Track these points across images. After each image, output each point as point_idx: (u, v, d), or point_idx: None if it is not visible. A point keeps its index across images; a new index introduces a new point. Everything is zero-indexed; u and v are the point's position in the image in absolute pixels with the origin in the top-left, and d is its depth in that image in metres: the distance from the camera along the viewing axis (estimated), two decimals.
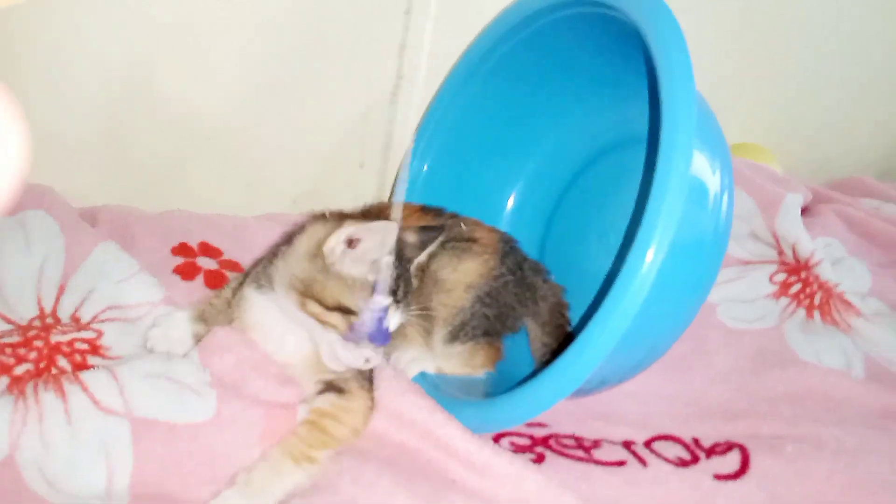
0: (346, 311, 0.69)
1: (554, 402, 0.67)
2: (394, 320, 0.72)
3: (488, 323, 0.87)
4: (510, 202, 1.12)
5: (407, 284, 0.74)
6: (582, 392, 0.77)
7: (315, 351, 0.73)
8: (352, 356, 0.69)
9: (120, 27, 0.92)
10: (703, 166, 0.71)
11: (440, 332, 0.87)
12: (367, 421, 0.72)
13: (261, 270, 0.76)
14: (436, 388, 0.83)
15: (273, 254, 0.76)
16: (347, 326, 0.69)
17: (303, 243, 0.72)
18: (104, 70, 0.95)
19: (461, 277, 0.86)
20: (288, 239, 0.76)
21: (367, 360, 0.69)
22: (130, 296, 0.79)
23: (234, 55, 1.01)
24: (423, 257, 0.79)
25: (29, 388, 0.65)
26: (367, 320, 0.68)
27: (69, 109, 0.96)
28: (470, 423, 0.72)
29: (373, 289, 0.69)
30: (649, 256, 0.62)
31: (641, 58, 0.77)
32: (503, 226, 1.09)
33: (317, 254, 0.70)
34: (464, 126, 1.03)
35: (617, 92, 0.95)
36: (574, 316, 0.94)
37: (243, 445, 0.67)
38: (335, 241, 0.69)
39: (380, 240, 0.67)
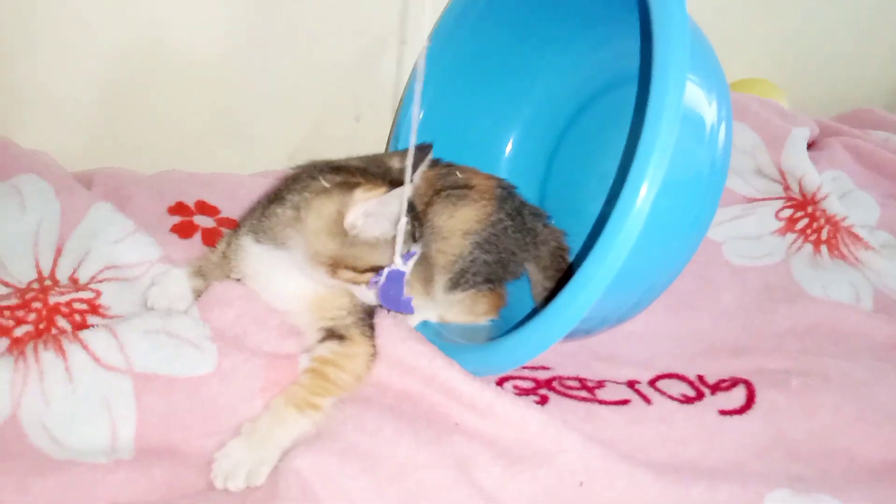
0: (377, 269, 0.71)
1: (550, 344, 0.67)
2: (415, 257, 0.75)
3: (489, 269, 0.87)
4: (508, 148, 1.10)
5: (417, 218, 0.75)
6: (582, 332, 0.77)
7: (316, 295, 0.73)
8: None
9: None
10: (697, 97, 0.68)
11: (441, 281, 0.86)
12: (369, 367, 0.73)
13: (257, 222, 0.75)
14: (438, 335, 0.83)
15: (266, 204, 0.76)
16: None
17: (316, 221, 0.71)
18: (96, 32, 0.94)
19: (458, 224, 0.86)
20: (279, 190, 0.75)
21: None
22: (127, 256, 0.79)
23: (225, 9, 0.99)
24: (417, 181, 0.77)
25: (29, 349, 0.65)
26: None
27: (61, 73, 0.95)
28: (470, 367, 0.72)
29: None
30: (643, 192, 0.60)
31: None
32: (502, 172, 1.07)
33: (337, 231, 0.70)
34: (457, 72, 1.01)
35: (610, 29, 0.92)
36: (573, 255, 0.93)
37: (245, 397, 0.67)
38: (355, 217, 0.69)
39: (396, 204, 0.68)
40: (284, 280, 0.74)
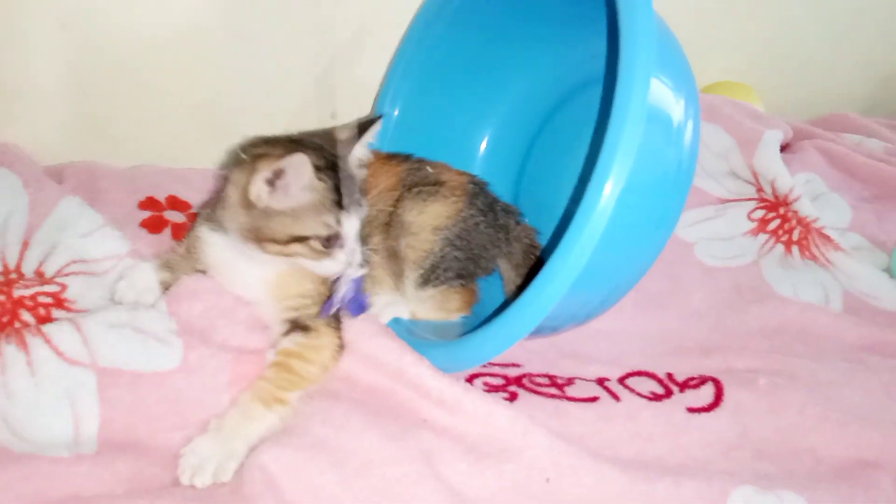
0: (301, 239, 0.70)
1: (515, 341, 0.67)
2: (351, 223, 0.72)
3: (460, 265, 0.87)
4: (483, 146, 1.11)
5: (350, 183, 0.73)
6: (549, 329, 0.77)
7: (277, 279, 0.73)
8: (331, 267, 0.72)
9: None
10: (664, 97, 0.69)
11: (411, 276, 0.86)
12: (335, 358, 0.72)
13: (211, 211, 0.75)
14: (409, 333, 0.83)
15: (220, 194, 0.76)
16: (311, 249, 0.70)
17: (232, 194, 0.72)
18: (71, 24, 0.94)
19: (428, 220, 0.85)
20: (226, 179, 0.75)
21: (349, 264, 0.72)
22: (95, 250, 0.78)
23: (204, 3, 0.98)
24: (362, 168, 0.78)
25: None
26: (325, 236, 0.71)
27: (37, 66, 0.94)
28: (438, 363, 0.72)
29: (316, 207, 0.70)
30: (607, 190, 0.61)
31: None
32: (476, 170, 1.07)
33: (248, 203, 0.70)
34: (432, 71, 1.02)
35: (583, 30, 0.92)
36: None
37: (212, 392, 0.67)
38: (256, 188, 0.69)
39: (297, 168, 0.67)
40: (242, 266, 0.74)
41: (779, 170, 1.07)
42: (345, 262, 0.72)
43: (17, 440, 0.59)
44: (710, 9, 1.33)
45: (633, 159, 0.60)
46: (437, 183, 0.88)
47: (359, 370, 0.72)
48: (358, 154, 0.76)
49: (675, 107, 0.70)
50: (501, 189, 0.98)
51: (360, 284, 0.75)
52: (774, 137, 1.10)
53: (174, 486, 0.61)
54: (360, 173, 0.77)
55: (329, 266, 0.72)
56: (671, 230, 0.77)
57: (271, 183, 0.68)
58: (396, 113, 1.02)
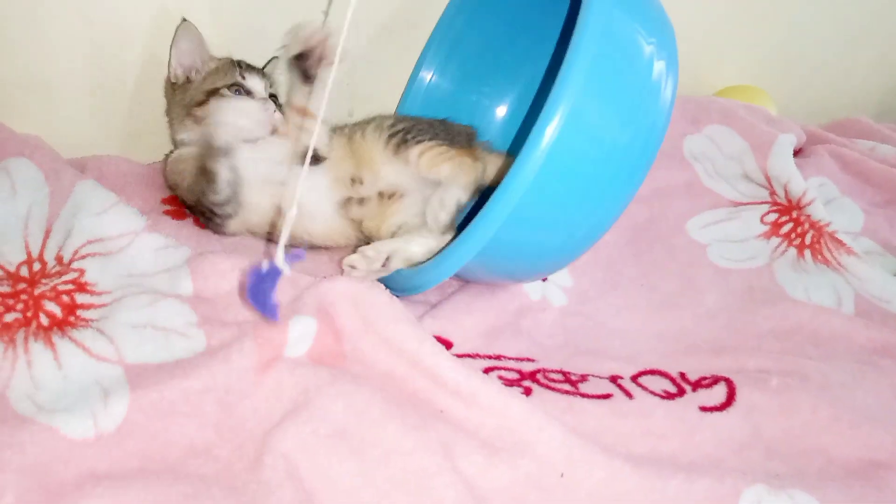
0: (213, 91, 0.89)
1: (465, 260, 0.72)
2: (255, 81, 0.91)
3: (433, 130, 0.90)
4: (502, 112, 1.17)
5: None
6: (508, 269, 0.82)
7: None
8: (248, 107, 0.88)
9: None
10: (638, 45, 0.72)
11: (385, 147, 0.91)
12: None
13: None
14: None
15: None
16: (226, 98, 0.88)
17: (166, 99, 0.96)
18: (93, 18, 0.94)
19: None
20: None
21: (265, 109, 0.89)
22: (111, 227, 0.79)
23: None
24: None
25: (19, 337, 0.65)
26: (231, 83, 0.90)
27: (53, 58, 0.95)
28: (400, 284, 0.81)
29: (222, 68, 0.92)
30: (552, 117, 0.65)
31: None
32: (493, 135, 1.15)
33: (173, 88, 0.93)
34: (462, 42, 1.09)
35: None
36: None
37: (240, 377, 0.67)
38: (171, 68, 0.92)
39: (187, 31, 0.90)
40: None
41: (792, 173, 1.08)
42: (261, 106, 0.89)
43: (41, 412, 0.60)
44: (724, 13, 1.33)
45: (583, 77, 0.65)
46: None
47: (377, 354, 0.72)
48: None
49: (644, 39, 0.73)
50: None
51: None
52: (788, 141, 1.10)
53: (189, 458, 0.61)
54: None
55: (246, 107, 0.88)
56: (637, 181, 0.77)
57: (178, 58, 0.90)
58: (431, 77, 1.11)
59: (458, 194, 0.86)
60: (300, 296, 0.75)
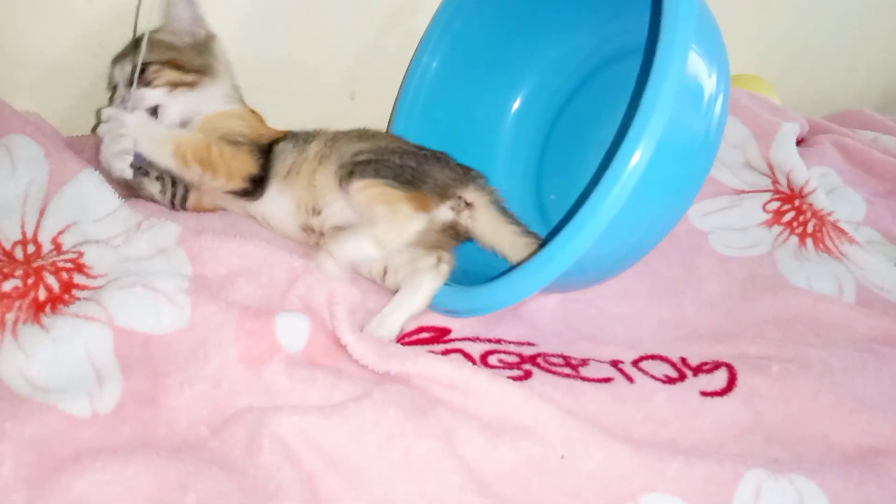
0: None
1: (552, 277, 0.69)
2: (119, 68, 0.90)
3: (398, 171, 0.83)
4: (515, 105, 1.14)
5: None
6: (573, 279, 0.79)
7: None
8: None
9: None
10: (699, 67, 0.71)
11: (334, 179, 0.85)
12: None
13: None
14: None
15: None
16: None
17: None
18: None
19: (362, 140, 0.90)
20: None
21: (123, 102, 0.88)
22: (109, 230, 0.79)
23: None
24: None
25: (8, 319, 0.65)
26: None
27: (54, 36, 0.95)
28: (474, 304, 0.76)
29: None
30: (643, 142, 0.64)
31: None
32: (506, 129, 1.14)
33: None
34: (473, 26, 1.06)
35: (619, 7, 0.97)
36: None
37: (216, 347, 0.67)
38: None
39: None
40: None
41: (795, 162, 1.07)
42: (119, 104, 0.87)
43: (36, 391, 0.60)
44: (728, 2, 1.32)
45: (668, 117, 0.63)
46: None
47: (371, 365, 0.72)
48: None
49: (707, 79, 0.72)
50: (529, 150, 1.08)
51: None
52: (791, 130, 1.10)
53: (184, 447, 0.61)
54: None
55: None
56: (692, 198, 0.80)
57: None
58: (435, 65, 1.08)
59: (367, 245, 0.78)
60: (286, 292, 0.75)
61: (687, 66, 0.66)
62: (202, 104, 0.91)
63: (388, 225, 0.78)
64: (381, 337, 0.76)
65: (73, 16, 0.94)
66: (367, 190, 0.81)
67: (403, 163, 0.84)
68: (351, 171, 0.83)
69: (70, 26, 0.95)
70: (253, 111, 0.96)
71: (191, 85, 0.90)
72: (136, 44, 0.90)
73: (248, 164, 0.86)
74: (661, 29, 0.67)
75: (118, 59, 0.93)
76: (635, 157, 0.64)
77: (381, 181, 0.81)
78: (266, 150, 0.89)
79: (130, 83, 0.88)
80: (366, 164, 0.83)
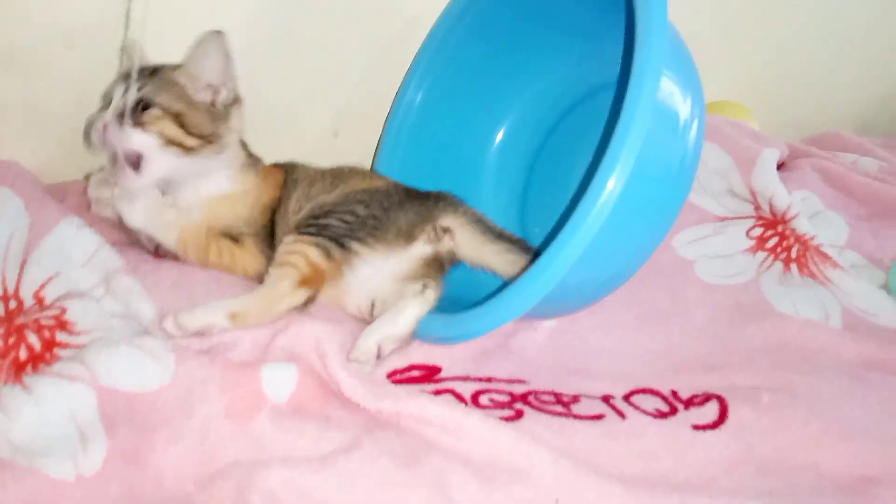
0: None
1: (531, 304, 0.69)
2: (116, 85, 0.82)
3: (356, 222, 0.82)
4: (498, 137, 1.16)
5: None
6: (552, 305, 0.81)
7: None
8: None
9: None
10: (672, 93, 0.72)
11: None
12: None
13: None
14: None
15: None
16: None
17: None
18: (76, 42, 0.93)
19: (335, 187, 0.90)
20: None
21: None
22: (92, 277, 0.78)
23: (210, 21, 0.99)
24: None
25: None
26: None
27: (35, 83, 0.94)
28: (452, 332, 0.76)
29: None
30: (617, 170, 0.64)
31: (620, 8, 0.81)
32: (490, 162, 1.15)
33: None
34: (456, 61, 1.07)
35: (597, 43, 0.98)
36: None
37: (202, 402, 0.66)
38: None
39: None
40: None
41: (776, 188, 1.08)
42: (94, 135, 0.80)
43: (19, 453, 0.59)
44: (707, 30, 1.34)
45: (642, 142, 0.64)
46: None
47: (353, 405, 0.71)
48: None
49: (682, 104, 0.73)
50: (512, 182, 1.09)
51: None
52: (772, 156, 1.11)
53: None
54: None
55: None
56: (671, 223, 0.80)
57: None
58: (419, 98, 1.08)
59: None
60: (272, 340, 0.75)
61: (659, 91, 0.67)
62: (196, 175, 0.84)
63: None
64: (356, 358, 0.75)
65: (52, 63, 0.94)
66: (284, 246, 0.81)
67: (368, 213, 0.83)
68: (295, 226, 0.83)
69: (49, 74, 0.94)
70: (251, 155, 0.92)
71: (189, 150, 0.82)
72: (152, 71, 0.84)
73: (253, 264, 0.86)
74: (634, 56, 0.67)
75: (125, 79, 0.83)
76: (611, 182, 0.65)
77: (308, 238, 0.80)
78: (270, 225, 0.88)
79: (121, 115, 0.80)
80: (312, 221, 0.82)
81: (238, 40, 1.00)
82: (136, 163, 0.81)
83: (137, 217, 0.81)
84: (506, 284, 0.74)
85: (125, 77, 0.83)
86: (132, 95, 0.80)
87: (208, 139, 0.83)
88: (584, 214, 0.65)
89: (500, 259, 0.85)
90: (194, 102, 0.84)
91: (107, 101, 0.83)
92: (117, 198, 0.82)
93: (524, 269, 0.80)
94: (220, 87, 0.85)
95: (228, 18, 0.99)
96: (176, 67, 0.85)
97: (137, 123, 0.80)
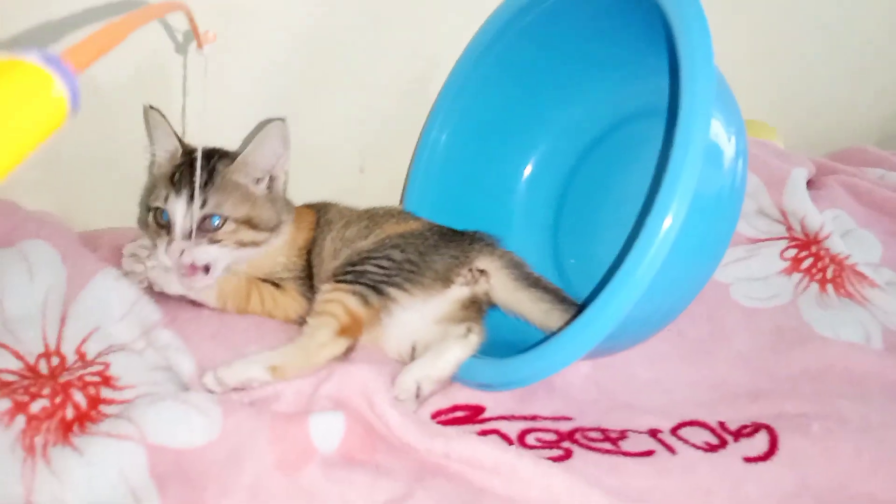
0: (151, 209, 0.83)
1: (591, 345, 0.68)
2: (178, 204, 0.80)
3: (394, 268, 0.81)
4: (527, 171, 1.15)
5: (197, 177, 0.80)
6: (604, 348, 0.77)
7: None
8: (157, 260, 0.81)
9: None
10: (719, 134, 0.73)
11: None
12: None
13: None
14: None
15: None
16: (154, 225, 0.83)
17: None
18: (96, 88, 0.94)
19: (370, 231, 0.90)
20: None
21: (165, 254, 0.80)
22: (131, 331, 0.78)
23: (236, 65, 1.00)
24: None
25: (38, 443, 0.63)
26: (155, 206, 0.82)
27: (63, 131, 0.94)
28: (492, 378, 0.75)
29: (163, 178, 0.83)
30: (672, 209, 0.64)
31: (652, 34, 0.81)
32: (519, 195, 1.14)
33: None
34: (480, 100, 1.06)
35: (628, 69, 0.98)
36: (589, 281, 0.93)
37: (251, 455, 0.65)
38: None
39: (152, 117, 0.85)
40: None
41: (808, 208, 1.07)
42: (163, 255, 0.80)
43: None
44: (729, 50, 1.34)
45: (697, 178, 0.64)
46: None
47: (405, 451, 0.70)
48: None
49: (727, 142, 0.74)
50: (543, 213, 1.08)
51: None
52: (801, 175, 1.10)
53: None
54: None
55: (156, 258, 0.81)
56: (720, 257, 0.82)
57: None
58: (444, 138, 1.08)
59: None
60: (317, 388, 0.74)
61: (710, 128, 0.67)
62: (255, 256, 0.85)
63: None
64: (396, 395, 0.75)
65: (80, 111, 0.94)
66: (322, 294, 0.80)
67: (404, 257, 0.83)
68: (333, 274, 0.83)
69: (77, 122, 0.94)
70: (287, 203, 0.91)
71: (257, 244, 0.84)
72: (207, 157, 0.82)
73: (294, 307, 0.86)
74: (682, 101, 0.67)
75: (177, 183, 0.80)
76: (668, 220, 0.64)
77: (346, 286, 0.80)
78: (308, 267, 0.88)
79: (189, 235, 0.79)
80: (349, 269, 0.82)
81: (266, 80, 1.01)
82: (206, 267, 0.82)
83: (175, 286, 0.82)
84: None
85: (173, 185, 0.82)
86: (196, 213, 0.80)
87: (274, 229, 0.86)
88: (642, 255, 0.65)
89: (532, 307, 0.84)
90: (257, 199, 0.84)
91: (156, 214, 0.83)
92: (152, 270, 0.82)
93: (558, 319, 0.80)
94: (279, 173, 0.87)
95: (257, 59, 1.00)
96: (229, 163, 0.84)
97: (213, 241, 0.81)
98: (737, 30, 1.31)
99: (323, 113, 1.07)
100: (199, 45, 0.72)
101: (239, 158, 0.84)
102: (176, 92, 0.93)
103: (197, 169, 0.79)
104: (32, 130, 0.37)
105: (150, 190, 0.86)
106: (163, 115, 0.85)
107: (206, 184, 0.81)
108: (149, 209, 0.84)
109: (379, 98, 1.09)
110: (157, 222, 0.83)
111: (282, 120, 0.83)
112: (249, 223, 0.82)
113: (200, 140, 0.81)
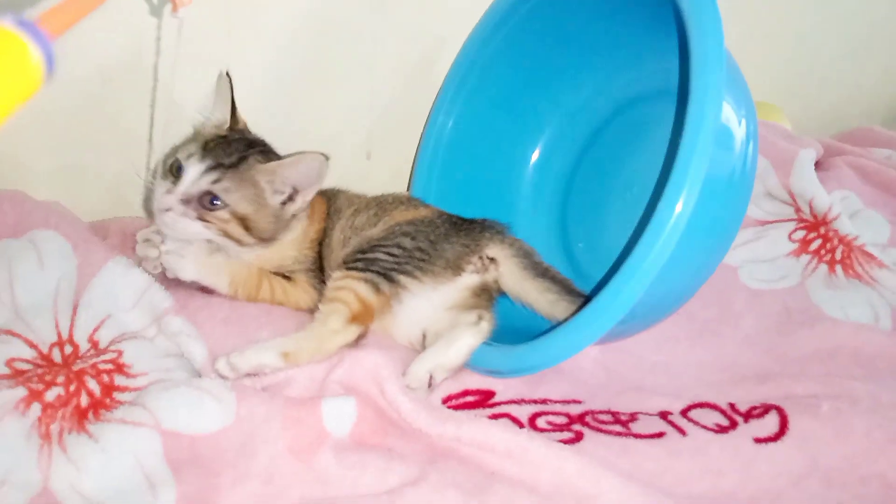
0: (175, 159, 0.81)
1: (607, 328, 0.68)
2: (194, 172, 0.79)
3: (404, 256, 0.81)
4: (534, 156, 1.14)
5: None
6: (616, 333, 0.77)
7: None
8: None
9: (122, 24, 0.89)
10: (730, 110, 0.72)
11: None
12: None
13: None
14: None
15: None
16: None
17: None
18: (107, 77, 0.93)
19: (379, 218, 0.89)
20: None
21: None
22: (142, 319, 0.78)
23: (241, 50, 0.99)
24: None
25: (54, 430, 0.64)
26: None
27: (72, 119, 0.94)
28: (503, 365, 0.76)
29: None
30: (684, 194, 0.64)
31: (661, 15, 0.80)
32: (527, 180, 1.13)
33: None
34: (487, 83, 1.06)
35: (636, 50, 0.97)
36: (598, 265, 0.94)
37: (264, 442, 0.66)
38: None
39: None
40: None
41: (815, 189, 1.07)
42: (160, 194, 0.80)
43: None
44: (734, 32, 1.33)
45: (708, 161, 0.64)
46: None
47: (416, 436, 0.71)
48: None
49: (737, 125, 0.73)
50: (550, 198, 1.08)
51: None
52: (809, 157, 1.10)
53: None
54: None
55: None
56: (732, 239, 0.81)
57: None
58: (451, 124, 1.07)
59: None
60: (328, 374, 0.74)
61: (721, 110, 0.66)
62: (240, 254, 0.85)
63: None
64: (408, 384, 0.75)
65: (90, 99, 0.94)
66: (333, 282, 0.80)
67: (415, 245, 0.83)
68: (343, 262, 0.82)
69: (88, 110, 0.94)
70: (288, 224, 0.89)
71: (241, 244, 0.83)
72: (249, 145, 0.84)
73: (305, 299, 0.86)
74: (693, 76, 0.67)
75: (208, 151, 0.81)
76: (679, 203, 0.64)
77: (357, 274, 0.79)
78: (318, 258, 0.89)
79: (186, 200, 0.79)
80: (359, 256, 0.82)
81: (271, 65, 1.01)
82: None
83: (189, 271, 0.81)
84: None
85: (203, 149, 0.81)
86: (203, 183, 0.79)
87: (264, 242, 0.85)
88: (655, 238, 0.64)
89: (539, 297, 0.84)
90: (266, 206, 0.83)
91: (173, 163, 0.82)
92: (166, 255, 0.81)
93: (564, 311, 0.80)
94: (299, 199, 0.85)
95: (262, 44, 0.99)
96: (263, 161, 0.84)
97: (201, 217, 0.80)
98: (742, 10, 1.30)
99: (329, 98, 1.07)
100: (175, 9, 0.71)
101: (273, 164, 0.83)
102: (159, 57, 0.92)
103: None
104: (8, 96, 0.36)
105: (186, 141, 0.86)
106: (231, 86, 0.85)
107: (230, 166, 0.80)
108: (171, 154, 0.83)
109: (385, 83, 1.08)
110: (170, 169, 0.81)
111: (326, 157, 0.82)
112: (245, 223, 0.82)
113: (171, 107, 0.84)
